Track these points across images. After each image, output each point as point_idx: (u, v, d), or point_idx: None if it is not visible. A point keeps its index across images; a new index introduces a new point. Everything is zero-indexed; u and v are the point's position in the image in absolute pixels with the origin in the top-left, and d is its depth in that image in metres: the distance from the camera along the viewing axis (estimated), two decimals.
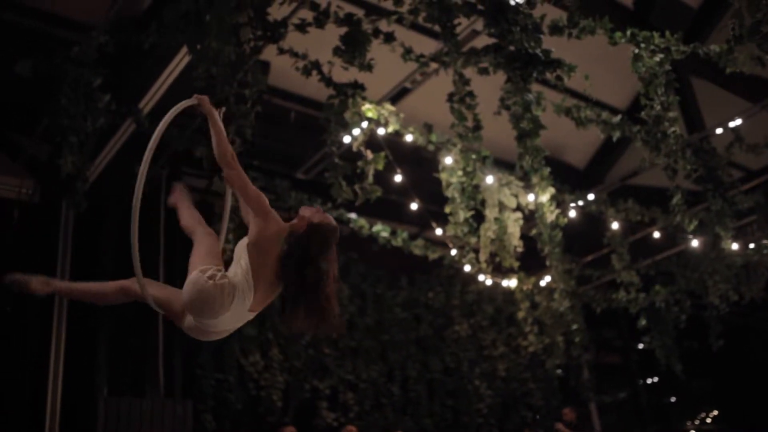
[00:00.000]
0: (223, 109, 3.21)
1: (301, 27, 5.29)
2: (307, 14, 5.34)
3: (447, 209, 6.67)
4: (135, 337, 7.04)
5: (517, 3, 4.66)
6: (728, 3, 3.82)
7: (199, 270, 2.78)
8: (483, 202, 6.94)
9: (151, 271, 3.07)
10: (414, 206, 7.55)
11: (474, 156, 6.57)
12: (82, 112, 5.28)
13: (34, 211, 6.99)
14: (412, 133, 6.69)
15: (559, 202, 7.59)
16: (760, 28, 3.65)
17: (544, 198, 6.48)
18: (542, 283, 9.19)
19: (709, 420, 12.46)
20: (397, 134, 6.59)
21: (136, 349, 7.01)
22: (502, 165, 7.37)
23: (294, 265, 2.81)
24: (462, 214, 6.56)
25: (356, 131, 6.12)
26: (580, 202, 8.28)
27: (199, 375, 7.89)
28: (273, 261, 2.82)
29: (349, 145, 6.19)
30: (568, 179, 8.58)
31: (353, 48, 5.21)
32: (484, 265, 7.25)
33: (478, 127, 5.85)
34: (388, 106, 6.34)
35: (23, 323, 6.67)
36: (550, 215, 6.68)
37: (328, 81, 5.76)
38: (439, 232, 7.71)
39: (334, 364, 9.08)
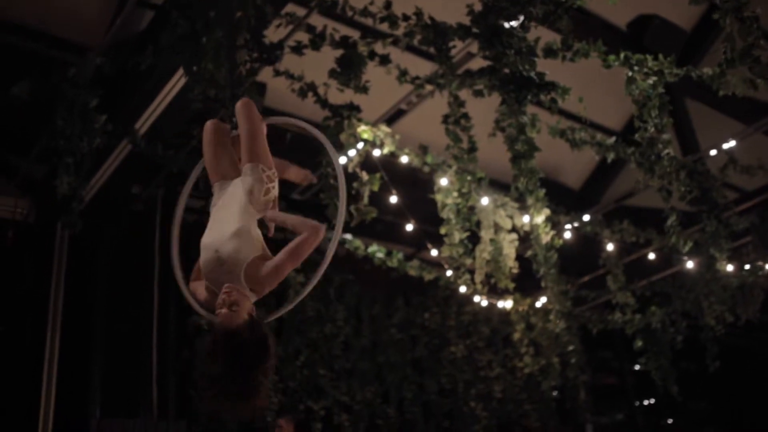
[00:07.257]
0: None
1: (297, 49, 5.32)
2: (303, 36, 5.38)
3: (442, 230, 6.66)
4: (129, 357, 7.01)
5: (511, 26, 4.69)
6: (721, 26, 3.84)
7: None
8: (478, 224, 6.94)
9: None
10: (409, 227, 7.55)
11: (469, 177, 6.58)
12: (78, 133, 5.29)
13: (29, 231, 6.99)
14: (407, 154, 6.71)
15: (555, 224, 7.60)
16: (751, 52, 3.67)
17: (540, 219, 6.50)
18: (538, 305, 9.17)
19: None
20: (393, 155, 6.61)
21: (130, 370, 6.97)
22: (498, 186, 7.38)
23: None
24: (457, 236, 6.57)
25: (352, 152, 6.13)
26: (576, 224, 8.28)
27: (193, 396, 7.82)
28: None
29: (345, 167, 6.21)
30: (563, 200, 8.58)
31: (349, 70, 5.24)
32: (479, 287, 7.24)
33: (473, 148, 5.88)
34: (384, 128, 6.36)
35: (16, 342, 6.64)
36: (546, 237, 6.68)
37: (323, 103, 5.79)
38: (434, 253, 7.70)
39: (329, 385, 9.01)
